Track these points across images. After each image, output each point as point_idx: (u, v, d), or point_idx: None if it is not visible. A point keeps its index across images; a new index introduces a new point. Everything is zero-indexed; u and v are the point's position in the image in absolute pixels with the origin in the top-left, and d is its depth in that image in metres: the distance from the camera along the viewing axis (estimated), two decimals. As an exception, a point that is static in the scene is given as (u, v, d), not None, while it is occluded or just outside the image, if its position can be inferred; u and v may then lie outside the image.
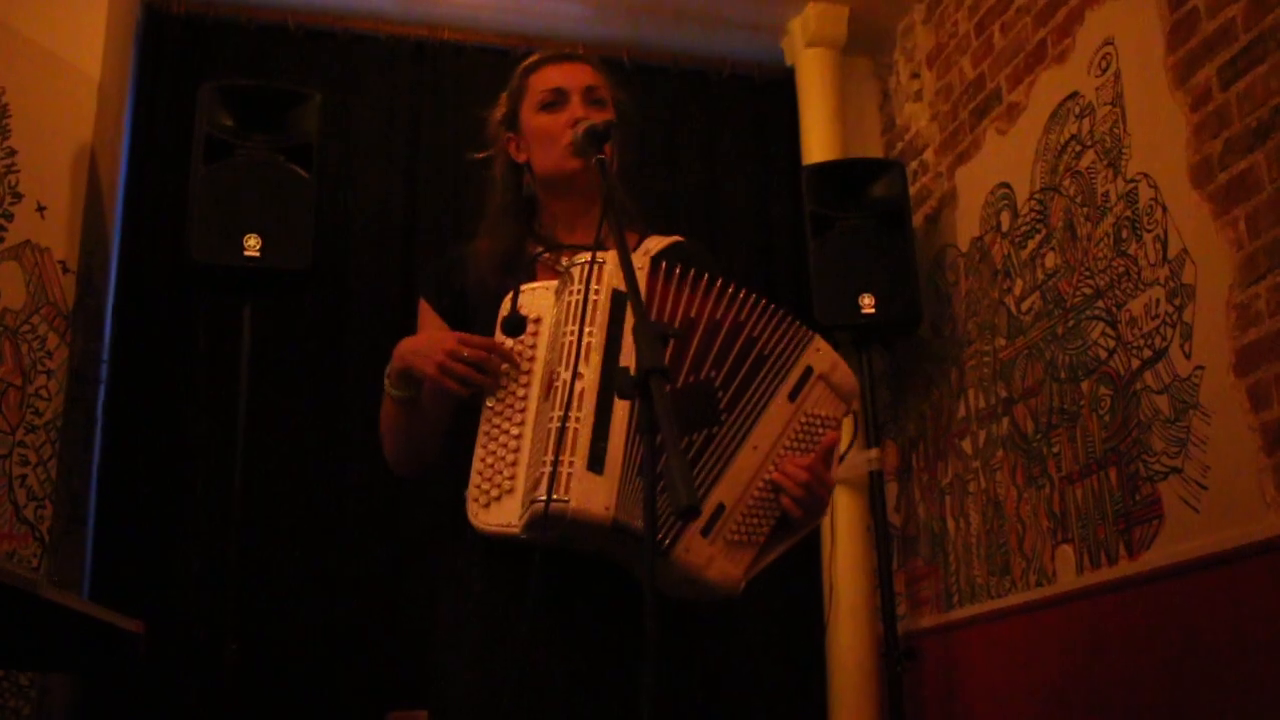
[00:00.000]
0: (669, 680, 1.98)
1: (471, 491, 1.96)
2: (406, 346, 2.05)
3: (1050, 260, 3.58)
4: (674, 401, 1.73)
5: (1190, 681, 2.85)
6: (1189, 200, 3.02)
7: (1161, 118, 3.13)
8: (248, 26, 4.32)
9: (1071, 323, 3.45)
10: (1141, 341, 3.15)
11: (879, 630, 3.97)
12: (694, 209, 4.62)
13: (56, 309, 3.64)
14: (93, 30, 3.92)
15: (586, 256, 1.95)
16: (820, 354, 2.05)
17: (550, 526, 1.80)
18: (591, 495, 1.80)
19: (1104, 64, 3.39)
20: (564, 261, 2.08)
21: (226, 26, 4.32)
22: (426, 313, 2.23)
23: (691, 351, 1.97)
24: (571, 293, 1.94)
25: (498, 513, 1.91)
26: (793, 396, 2.01)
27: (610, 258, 1.92)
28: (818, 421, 2.03)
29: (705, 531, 1.88)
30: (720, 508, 1.90)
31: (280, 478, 3.89)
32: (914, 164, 4.49)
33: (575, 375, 1.86)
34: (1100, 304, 3.33)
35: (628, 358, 1.87)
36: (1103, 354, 3.30)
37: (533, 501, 1.81)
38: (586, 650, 1.95)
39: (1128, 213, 3.24)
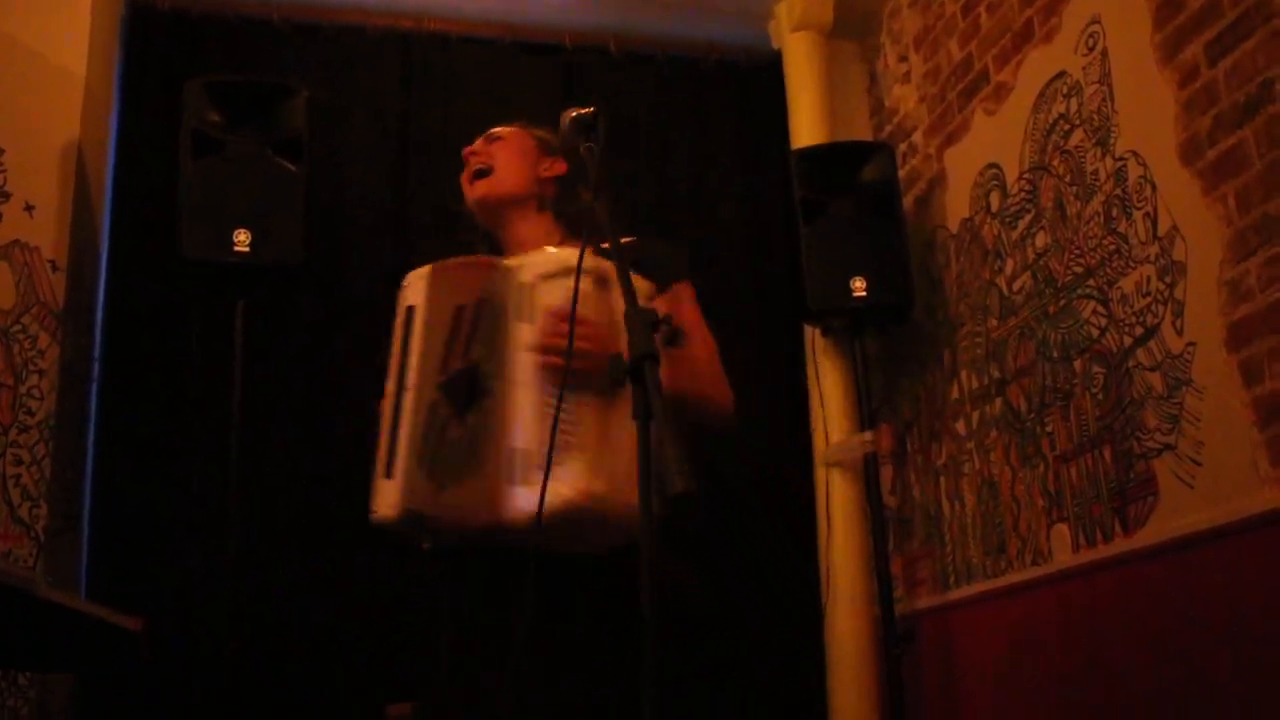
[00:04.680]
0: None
1: None
2: None
3: (1041, 240, 3.58)
4: (446, 392, 2.08)
5: (1186, 657, 2.86)
6: (1178, 177, 3.02)
7: (1149, 95, 3.13)
8: (233, 21, 4.32)
9: (1063, 302, 3.45)
10: (1133, 319, 3.15)
11: (876, 612, 3.98)
12: (683, 196, 4.62)
13: (47, 308, 3.63)
14: (77, 27, 3.90)
15: (407, 277, 2.25)
16: (530, 260, 2.14)
17: (394, 534, 2.12)
18: (384, 500, 2.10)
19: (1091, 42, 3.39)
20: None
21: (212, 21, 4.31)
22: None
23: (458, 341, 2.13)
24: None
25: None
26: (525, 318, 2.09)
27: (410, 278, 2.22)
28: (566, 308, 1.99)
29: (518, 479, 1.99)
30: (512, 452, 2.01)
31: (276, 473, 3.89)
32: (903, 146, 4.49)
33: (386, 393, 2.16)
34: (1091, 282, 3.33)
35: (414, 361, 2.13)
36: (1095, 332, 3.31)
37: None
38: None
39: (1117, 191, 3.24)
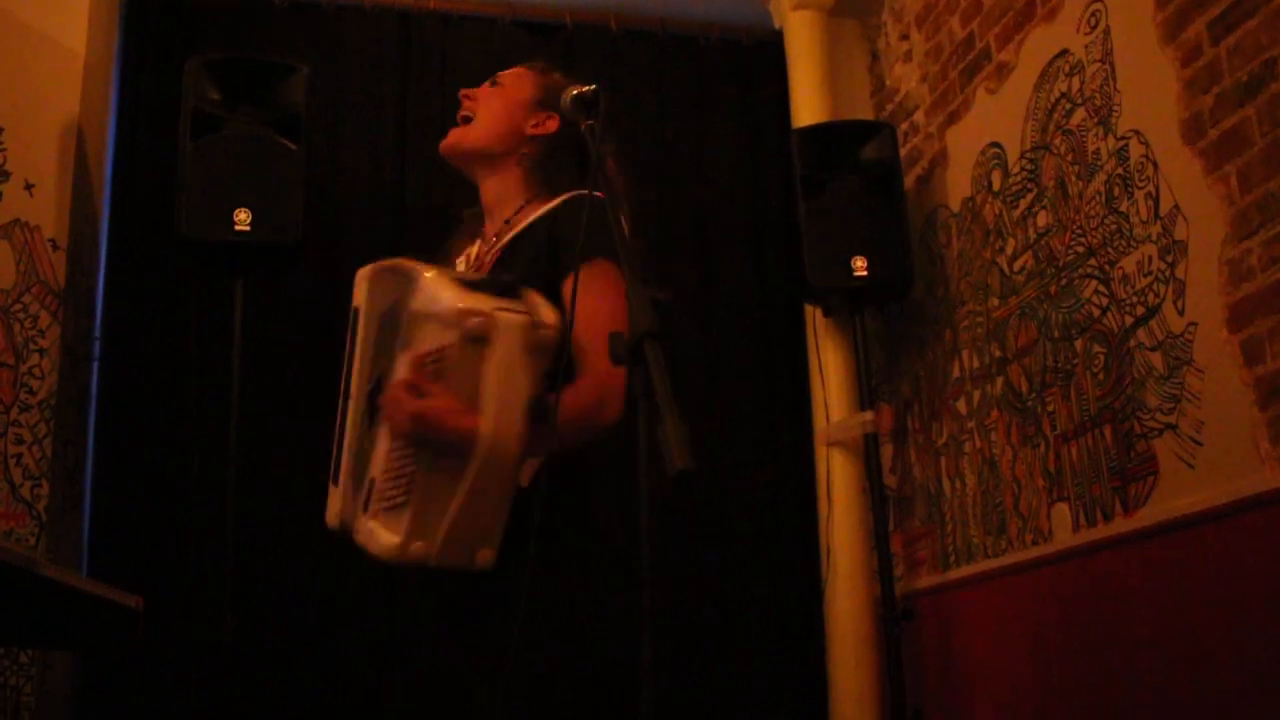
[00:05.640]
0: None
1: None
2: None
3: (1042, 219, 3.58)
4: (370, 402, 2.01)
5: (1187, 636, 2.87)
6: (1180, 156, 3.01)
7: (1151, 74, 3.12)
8: (232, -1, 4.31)
9: (1064, 281, 3.45)
10: (1134, 299, 3.15)
11: (876, 591, 3.98)
12: (684, 174, 4.62)
13: (47, 287, 3.63)
14: (77, 5, 3.89)
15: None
16: (424, 293, 1.95)
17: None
18: (330, 508, 2.08)
19: (1093, 21, 3.38)
20: (498, 239, 2.30)
21: (211, -1, 4.30)
22: None
23: (383, 348, 2.04)
24: None
25: None
26: (404, 348, 1.96)
27: (358, 276, 2.14)
28: (430, 358, 1.92)
29: (365, 508, 1.96)
30: (371, 483, 1.95)
31: (276, 451, 3.89)
32: (904, 125, 4.48)
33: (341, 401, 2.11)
34: (1093, 262, 3.33)
35: (355, 367, 2.07)
36: (1096, 312, 3.30)
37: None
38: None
39: (1119, 170, 3.24)
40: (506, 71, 2.43)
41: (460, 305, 1.88)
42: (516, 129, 2.35)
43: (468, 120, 2.38)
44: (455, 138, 2.37)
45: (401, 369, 1.92)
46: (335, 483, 2.06)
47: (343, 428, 2.06)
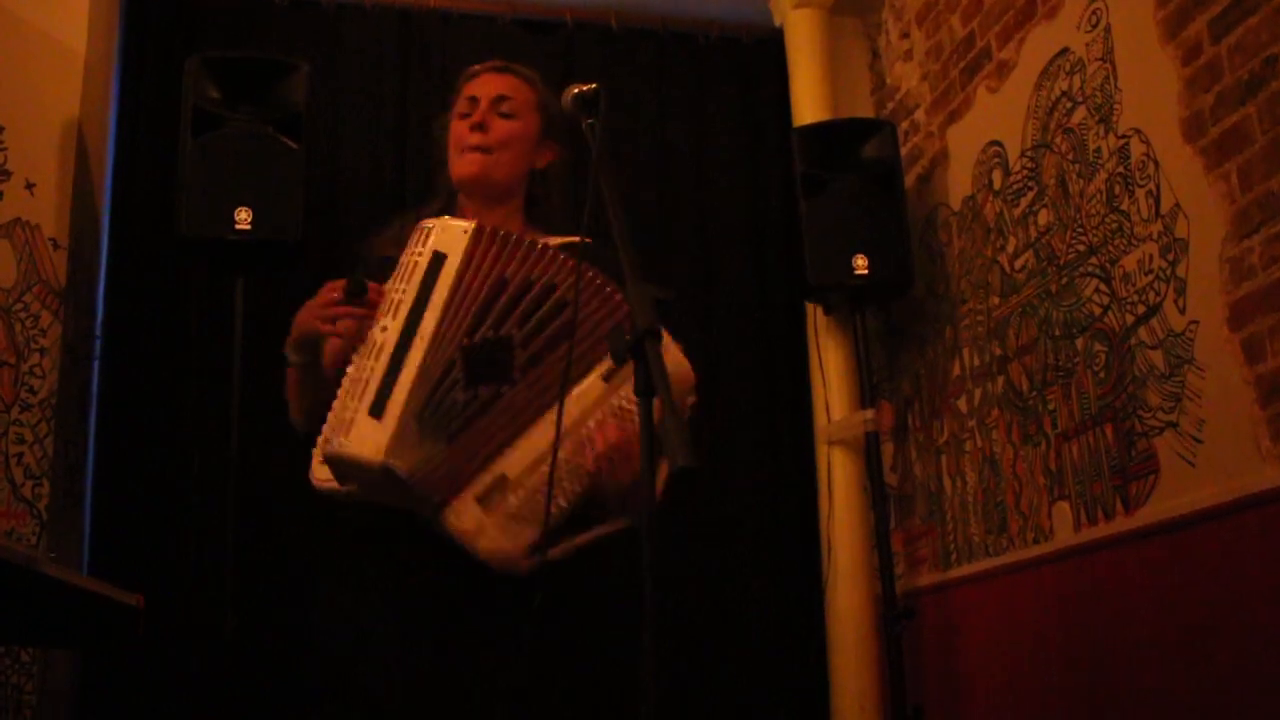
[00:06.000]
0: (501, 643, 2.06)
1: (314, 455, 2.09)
2: (298, 318, 2.26)
3: (1043, 218, 3.58)
4: (466, 355, 1.95)
5: (1187, 635, 2.87)
6: (1181, 155, 3.01)
7: (1152, 72, 3.12)
8: (233, -3, 4.31)
9: (1065, 280, 3.45)
10: (1135, 297, 3.15)
11: (877, 590, 3.98)
12: (684, 172, 4.61)
13: (48, 286, 3.63)
14: (77, 4, 3.89)
15: (432, 221, 2.11)
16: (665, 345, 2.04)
17: (335, 468, 1.96)
18: (365, 438, 1.91)
19: (1094, 19, 3.38)
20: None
21: (211, -3, 4.30)
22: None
23: (496, 309, 2.02)
24: (405, 254, 2.09)
25: (318, 467, 2.05)
26: (607, 377, 2.00)
27: (439, 223, 2.09)
28: (627, 407, 2.00)
29: (481, 499, 1.92)
30: (502, 478, 1.93)
31: (277, 450, 3.88)
32: (905, 124, 4.48)
33: (383, 329, 2.02)
34: (1093, 260, 3.33)
35: (434, 312, 1.99)
36: (1097, 310, 3.30)
37: (325, 444, 1.97)
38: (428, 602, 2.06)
39: (1120, 169, 3.23)
40: (511, 99, 2.39)
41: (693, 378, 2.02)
42: (528, 166, 2.40)
43: (486, 150, 2.35)
44: (482, 168, 2.35)
45: (611, 405, 2.00)
46: (377, 415, 1.93)
47: (397, 361, 1.97)
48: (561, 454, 1.92)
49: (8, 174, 3.66)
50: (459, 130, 2.39)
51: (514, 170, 2.38)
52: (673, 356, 1.98)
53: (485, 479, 1.93)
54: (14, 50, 3.76)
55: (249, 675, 3.46)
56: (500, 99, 2.38)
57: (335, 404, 2.04)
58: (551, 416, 1.91)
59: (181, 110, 3.60)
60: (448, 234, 2.08)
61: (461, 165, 2.36)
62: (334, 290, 2.13)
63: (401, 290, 2.04)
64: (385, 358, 1.98)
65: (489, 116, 2.36)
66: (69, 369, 3.65)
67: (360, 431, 1.92)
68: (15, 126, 3.70)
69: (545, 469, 1.90)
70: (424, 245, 2.07)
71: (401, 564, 2.05)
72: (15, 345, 3.55)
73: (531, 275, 2.05)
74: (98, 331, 3.89)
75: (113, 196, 4.05)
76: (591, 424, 1.98)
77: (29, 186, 3.67)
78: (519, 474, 1.93)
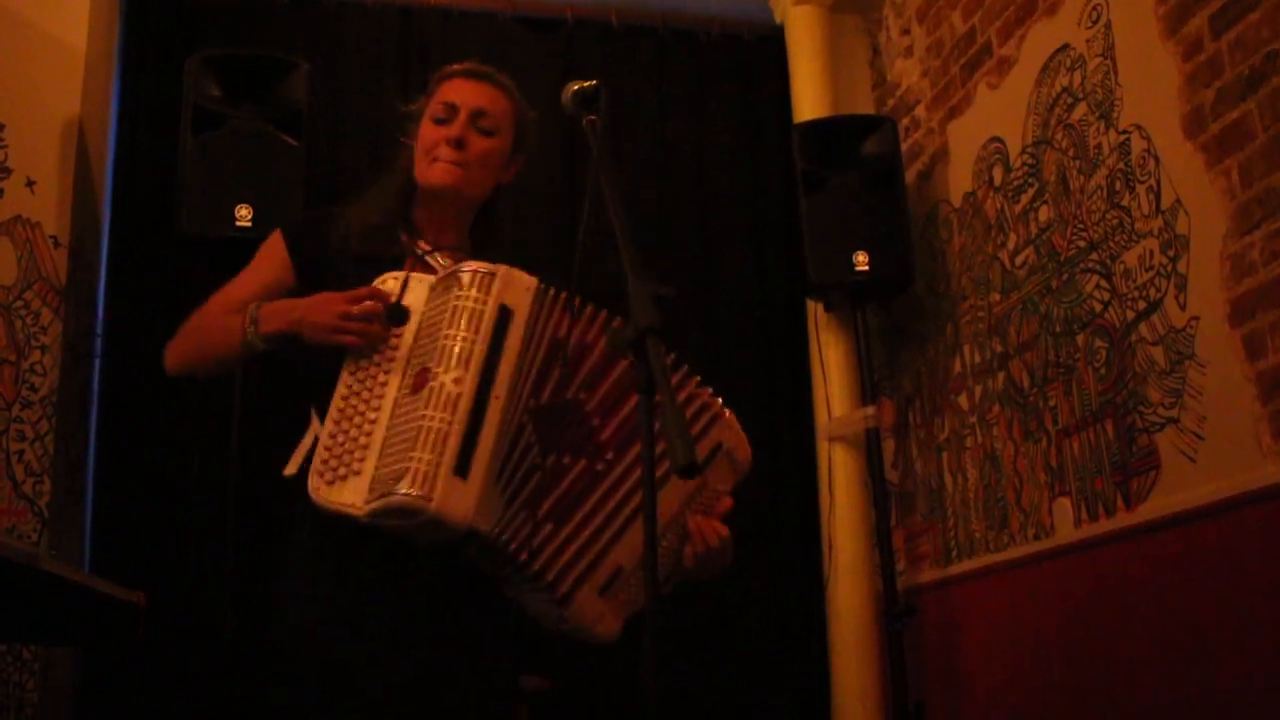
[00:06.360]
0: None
1: (316, 465, 2.12)
2: (298, 313, 2.17)
3: (1044, 214, 3.57)
4: (535, 418, 1.97)
5: (1188, 631, 2.87)
6: (1182, 151, 3.01)
7: (1153, 68, 3.12)
8: (232, -6, 4.30)
9: (1066, 276, 3.45)
10: (1136, 293, 3.15)
11: (878, 587, 3.98)
12: (684, 169, 4.61)
13: (49, 284, 3.63)
14: (77, 2, 3.89)
15: (475, 264, 2.05)
16: (731, 429, 2.14)
17: (404, 519, 1.91)
18: (453, 498, 1.88)
19: (1094, 15, 3.38)
20: (439, 261, 2.21)
21: (211, -5, 4.29)
22: (274, 248, 2.37)
23: (554, 372, 2.03)
24: (458, 297, 2.02)
25: (341, 491, 2.04)
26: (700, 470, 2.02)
27: (502, 274, 2.02)
28: (713, 493, 2.16)
29: (602, 591, 1.98)
30: (619, 570, 2.00)
31: (277, 450, 3.87)
32: (905, 120, 4.48)
33: (455, 380, 1.95)
34: (1094, 256, 3.33)
35: (508, 368, 1.98)
36: (1097, 306, 3.30)
37: (390, 493, 1.90)
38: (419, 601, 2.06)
39: (1120, 165, 3.23)
40: (491, 115, 2.30)
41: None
42: (497, 181, 2.33)
43: (463, 166, 2.25)
44: (456, 183, 2.25)
45: (702, 500, 2.14)
46: (462, 476, 1.90)
47: (477, 420, 1.93)
48: (664, 543, 2.05)
49: (8, 171, 3.66)
50: (432, 134, 2.28)
51: (486, 187, 2.30)
52: (743, 450, 2.17)
53: (604, 572, 1.99)
54: (15, 48, 3.76)
55: (249, 674, 3.45)
56: (480, 113, 2.28)
57: (366, 438, 2.05)
58: (635, 498, 2.02)
59: (182, 108, 3.61)
60: (513, 289, 2.03)
61: (434, 173, 2.25)
62: (353, 302, 2.07)
63: (468, 340, 1.97)
64: (464, 413, 1.93)
65: (468, 133, 2.26)
66: (70, 366, 3.66)
67: (446, 489, 1.88)
68: (16, 124, 3.70)
69: (649, 557, 1.91)
70: (486, 294, 2.00)
71: (399, 566, 2.04)
72: (16, 343, 3.55)
73: (587, 340, 2.05)
74: (98, 329, 3.89)
75: (113, 194, 4.05)
76: (691, 522, 2.11)
77: (30, 184, 3.67)
78: (632, 566, 2.00)
